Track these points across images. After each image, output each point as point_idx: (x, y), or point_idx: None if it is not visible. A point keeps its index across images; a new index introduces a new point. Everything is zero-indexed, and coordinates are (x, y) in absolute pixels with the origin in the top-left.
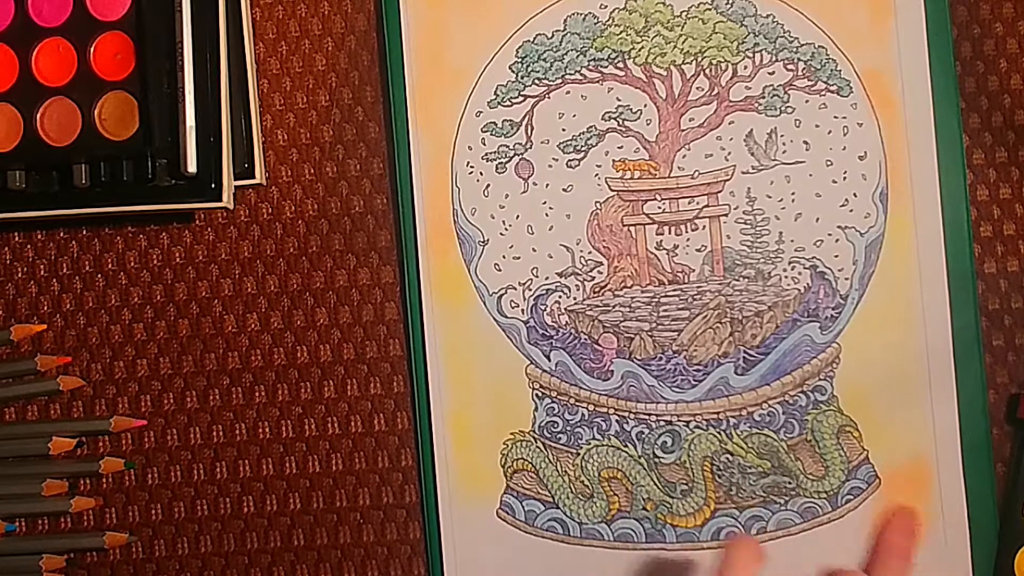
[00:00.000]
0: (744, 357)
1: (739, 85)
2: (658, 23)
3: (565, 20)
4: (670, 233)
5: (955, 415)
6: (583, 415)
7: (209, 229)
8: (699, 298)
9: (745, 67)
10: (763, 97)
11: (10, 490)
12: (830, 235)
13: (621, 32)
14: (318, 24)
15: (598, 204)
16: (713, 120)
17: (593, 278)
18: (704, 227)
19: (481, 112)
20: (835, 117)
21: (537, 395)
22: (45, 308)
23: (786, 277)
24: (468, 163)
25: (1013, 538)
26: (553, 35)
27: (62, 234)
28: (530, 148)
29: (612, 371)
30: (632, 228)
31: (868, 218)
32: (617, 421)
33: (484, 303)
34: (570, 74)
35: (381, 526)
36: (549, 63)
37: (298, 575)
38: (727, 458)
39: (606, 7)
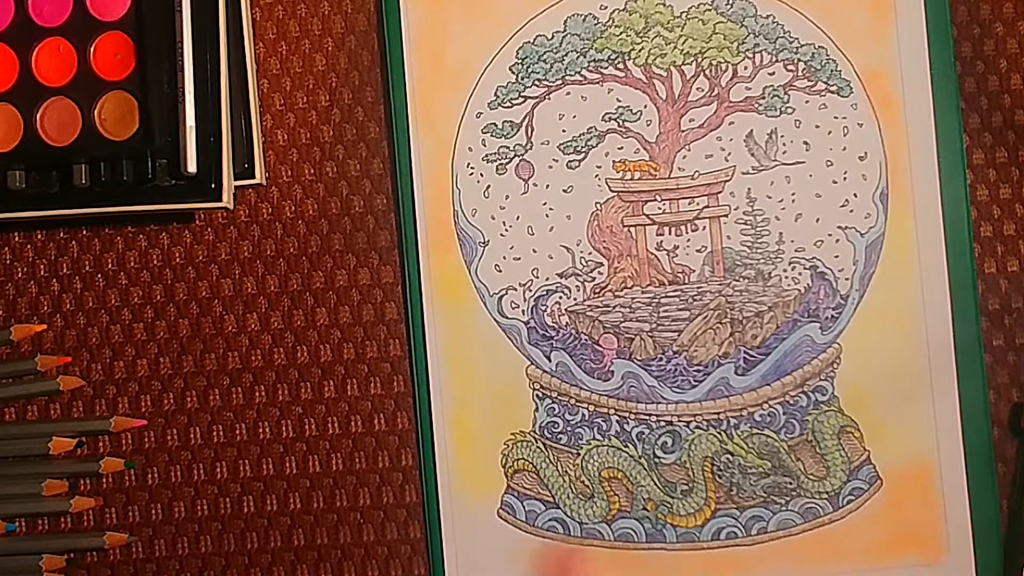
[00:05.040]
0: (744, 357)
1: (739, 86)
2: (658, 24)
3: (565, 21)
4: (670, 234)
5: (957, 415)
6: (583, 415)
7: (209, 229)
8: (699, 299)
9: (745, 68)
10: (763, 98)
11: (10, 490)
12: (830, 235)
13: (621, 33)
14: (318, 24)
15: (598, 205)
16: (713, 121)
17: (593, 279)
18: (704, 228)
19: (481, 113)
20: (835, 117)
21: (537, 395)
22: (45, 308)
23: (786, 277)
24: (468, 164)
25: (1021, 551)
26: (553, 36)
27: (62, 234)
28: (530, 149)
29: (612, 372)
30: (632, 229)
31: (868, 218)
32: (617, 421)
33: (484, 304)
34: (570, 75)
35: (381, 526)
36: (549, 64)
37: (298, 575)
38: (727, 458)
39: (606, 8)
